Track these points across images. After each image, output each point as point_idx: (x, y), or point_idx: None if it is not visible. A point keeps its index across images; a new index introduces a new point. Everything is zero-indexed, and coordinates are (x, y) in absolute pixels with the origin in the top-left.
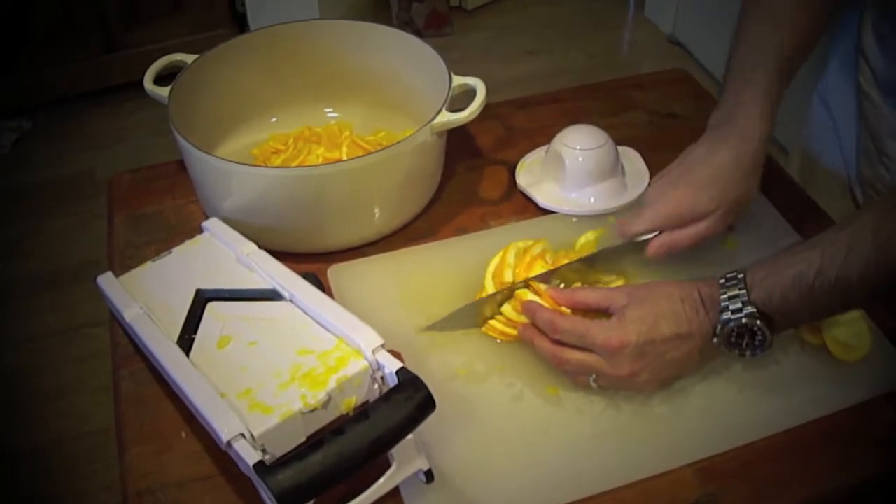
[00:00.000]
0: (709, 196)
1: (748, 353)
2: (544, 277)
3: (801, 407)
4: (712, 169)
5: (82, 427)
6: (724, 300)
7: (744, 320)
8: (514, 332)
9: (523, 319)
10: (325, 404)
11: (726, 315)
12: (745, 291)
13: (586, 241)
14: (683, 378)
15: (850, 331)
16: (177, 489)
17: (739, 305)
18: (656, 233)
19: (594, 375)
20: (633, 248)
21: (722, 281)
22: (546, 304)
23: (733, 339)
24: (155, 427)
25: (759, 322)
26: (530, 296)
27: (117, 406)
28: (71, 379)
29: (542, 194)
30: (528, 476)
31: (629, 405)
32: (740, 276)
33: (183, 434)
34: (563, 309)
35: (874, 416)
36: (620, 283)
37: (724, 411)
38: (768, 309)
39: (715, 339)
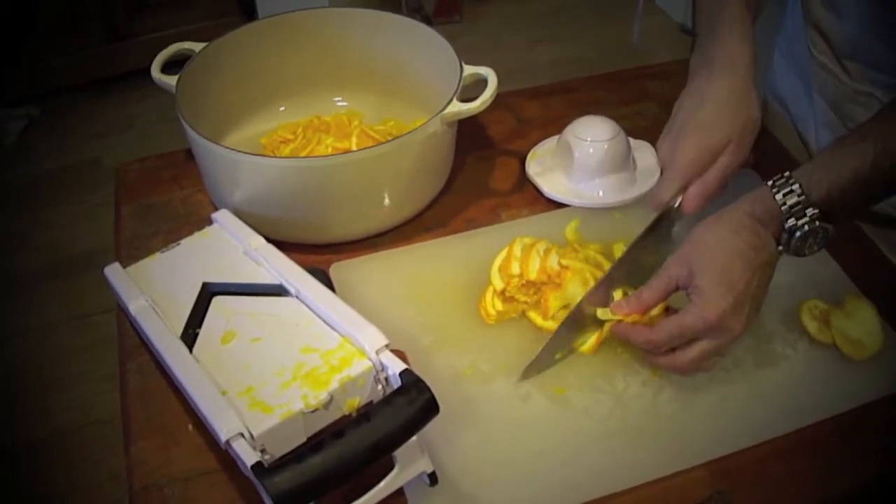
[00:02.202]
0: (718, 132)
1: (810, 252)
2: (600, 294)
3: (812, 405)
4: (711, 106)
5: (88, 417)
6: (785, 210)
7: (808, 227)
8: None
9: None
10: (327, 405)
11: (791, 222)
12: (805, 197)
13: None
14: (692, 376)
15: (861, 328)
16: (183, 483)
17: (802, 211)
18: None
19: (689, 352)
20: (669, 218)
21: (774, 190)
22: (628, 320)
23: (798, 244)
24: (161, 421)
25: (826, 225)
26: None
27: (124, 399)
28: (76, 368)
29: (551, 185)
30: (536, 478)
31: (638, 404)
32: (792, 180)
33: (190, 427)
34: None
35: (887, 413)
36: None
37: (735, 410)
38: (828, 207)
39: (780, 248)
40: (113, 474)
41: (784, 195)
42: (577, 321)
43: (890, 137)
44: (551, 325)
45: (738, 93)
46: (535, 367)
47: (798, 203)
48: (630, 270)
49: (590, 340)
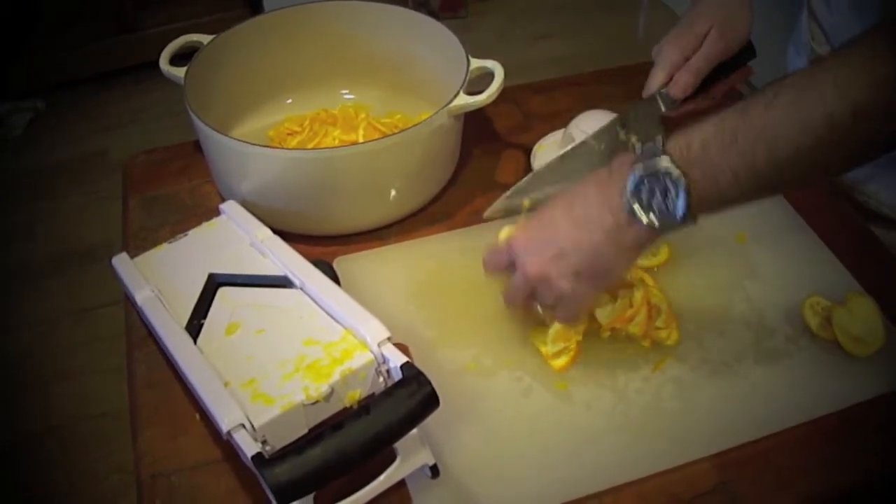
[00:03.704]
0: (700, 20)
1: (660, 220)
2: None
3: (814, 401)
4: (698, 4)
5: (94, 409)
6: (637, 156)
7: (655, 167)
8: None
9: None
10: (328, 397)
11: (637, 169)
12: (659, 139)
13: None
14: (693, 371)
15: (863, 325)
16: (191, 472)
17: (653, 157)
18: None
19: (538, 304)
20: (658, 103)
21: (639, 145)
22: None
23: (644, 200)
24: (169, 410)
25: (671, 167)
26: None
27: (131, 389)
28: (83, 360)
29: None
30: (538, 471)
31: (640, 399)
32: (661, 137)
33: (197, 416)
34: None
35: (889, 409)
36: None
37: (737, 406)
38: (686, 162)
39: (626, 207)
40: (118, 466)
41: (644, 146)
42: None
43: (764, 93)
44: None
45: None
46: (500, 210)
47: (651, 149)
48: (609, 141)
49: (563, 359)
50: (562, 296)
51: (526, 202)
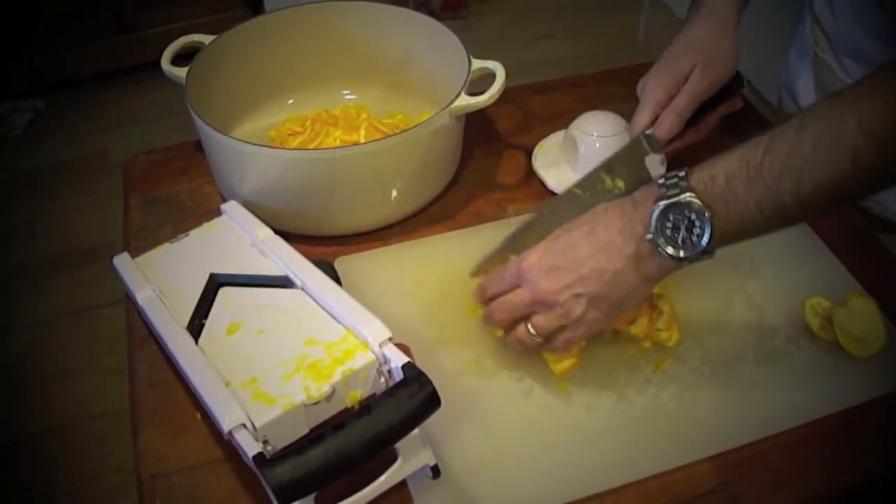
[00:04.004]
0: (683, 59)
1: (684, 252)
2: (561, 204)
3: (814, 402)
4: (685, 38)
5: (95, 409)
6: (661, 188)
7: (679, 197)
8: None
9: None
10: (329, 397)
11: (662, 201)
12: (684, 175)
13: None
14: (692, 372)
15: (863, 326)
16: (191, 472)
17: (677, 191)
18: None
19: (528, 324)
20: (643, 145)
21: (664, 177)
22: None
23: (668, 232)
24: (170, 410)
25: (695, 201)
26: None
27: (132, 389)
28: (83, 360)
29: (554, 178)
30: (539, 472)
31: (641, 399)
32: (685, 169)
33: (198, 416)
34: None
35: (889, 410)
36: None
37: (737, 407)
38: (710, 196)
39: (649, 236)
40: (118, 466)
41: (668, 178)
42: (531, 228)
43: (790, 125)
44: None
45: (711, 31)
46: (484, 267)
47: (675, 182)
48: (594, 189)
49: (565, 364)
50: (571, 321)
51: (512, 256)
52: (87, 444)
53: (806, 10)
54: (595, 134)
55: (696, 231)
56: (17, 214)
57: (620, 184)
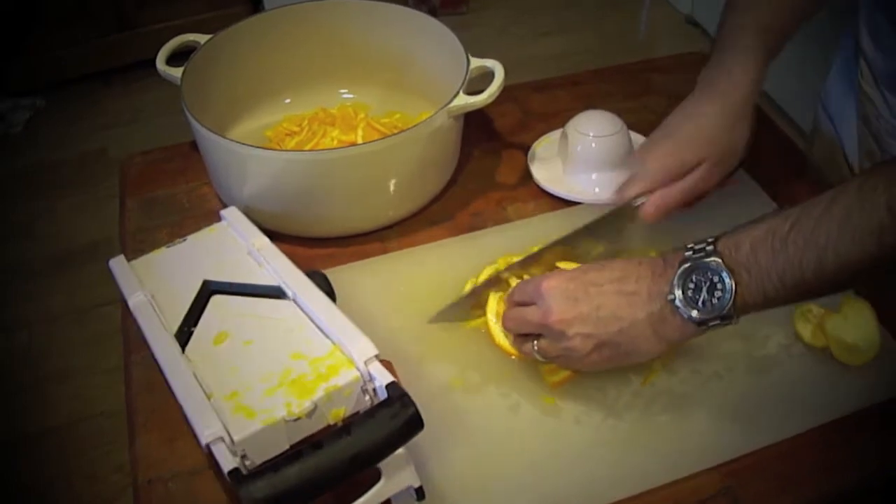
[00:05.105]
0: (694, 149)
1: (703, 314)
2: (526, 262)
3: (804, 412)
4: (697, 121)
5: (94, 408)
6: (689, 250)
7: (704, 260)
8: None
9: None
10: (311, 413)
11: (687, 263)
12: (712, 240)
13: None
14: (683, 384)
15: (858, 332)
16: (187, 477)
17: (703, 254)
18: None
19: (535, 343)
20: (627, 215)
21: (691, 243)
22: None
23: (690, 293)
24: (166, 414)
25: (720, 267)
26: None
27: (128, 392)
28: (82, 360)
29: (544, 175)
30: (527, 489)
31: (630, 413)
32: (713, 236)
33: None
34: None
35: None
36: None
37: (729, 418)
38: (733, 262)
39: (671, 296)
40: (118, 466)
41: (697, 242)
42: (497, 285)
43: (820, 201)
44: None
45: (727, 115)
46: (447, 316)
47: (702, 247)
48: (567, 251)
49: (560, 375)
50: (573, 358)
51: (477, 311)
52: (87, 444)
53: (849, 40)
54: (591, 134)
55: (717, 294)
56: (15, 212)
57: (601, 248)
